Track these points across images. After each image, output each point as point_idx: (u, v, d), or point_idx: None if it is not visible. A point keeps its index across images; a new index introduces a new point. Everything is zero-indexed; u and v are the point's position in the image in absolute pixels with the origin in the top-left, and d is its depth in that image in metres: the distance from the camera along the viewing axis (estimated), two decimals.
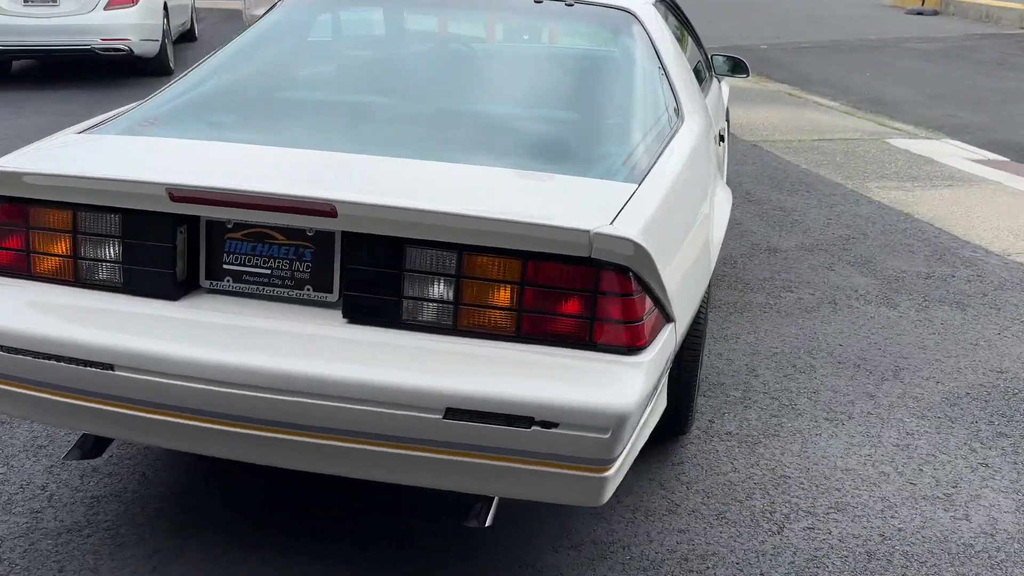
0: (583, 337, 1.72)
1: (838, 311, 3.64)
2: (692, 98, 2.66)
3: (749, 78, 4.76)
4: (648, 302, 1.75)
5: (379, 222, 1.72)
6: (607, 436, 1.64)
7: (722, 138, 3.28)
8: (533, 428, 1.65)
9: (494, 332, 1.75)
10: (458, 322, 1.76)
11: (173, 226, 1.86)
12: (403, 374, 1.68)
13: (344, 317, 1.80)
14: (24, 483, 2.37)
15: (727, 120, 4.83)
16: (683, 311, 1.96)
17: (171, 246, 1.86)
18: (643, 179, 1.97)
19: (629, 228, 1.68)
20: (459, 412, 1.66)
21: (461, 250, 1.72)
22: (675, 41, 2.80)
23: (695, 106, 2.65)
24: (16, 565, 2.07)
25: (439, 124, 2.32)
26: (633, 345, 1.72)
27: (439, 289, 1.75)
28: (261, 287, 1.88)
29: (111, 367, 1.79)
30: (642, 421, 1.78)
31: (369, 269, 1.77)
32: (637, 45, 2.61)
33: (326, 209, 1.71)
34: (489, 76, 2.54)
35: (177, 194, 1.78)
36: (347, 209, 1.71)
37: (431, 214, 1.68)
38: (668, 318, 1.86)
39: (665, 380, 2.19)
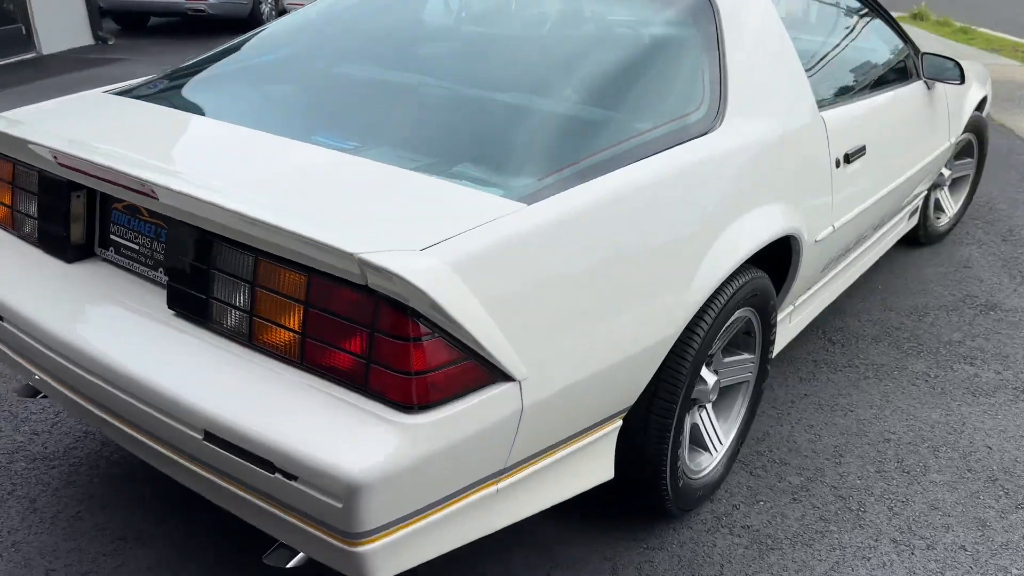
0: (359, 380, 1.42)
1: (1021, 403, 2.76)
2: (764, 98, 2.12)
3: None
4: (449, 352, 1.39)
5: (188, 212, 1.56)
6: (340, 506, 1.34)
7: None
8: (276, 475, 1.40)
9: (281, 353, 1.52)
10: (252, 334, 1.55)
11: (67, 190, 1.85)
12: (176, 383, 1.51)
13: (169, 307, 1.67)
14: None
15: (978, 136, 3.89)
16: (554, 369, 1.55)
17: (65, 210, 1.86)
18: (543, 199, 1.57)
19: (416, 261, 1.33)
20: (215, 438, 1.46)
21: (256, 255, 1.51)
22: (773, 27, 2.24)
23: (767, 108, 2.11)
24: None
25: (401, 105, 2.07)
26: (407, 402, 1.38)
27: (238, 294, 1.55)
28: (132, 263, 1.82)
29: (2, 317, 1.84)
30: (436, 496, 1.44)
31: (185, 260, 1.62)
32: (684, 24, 2.14)
33: (147, 191, 1.59)
34: (486, 53, 2.22)
35: (60, 160, 1.76)
36: (163, 194, 1.57)
37: (223, 211, 1.47)
38: (503, 375, 1.47)
39: (597, 445, 1.79)
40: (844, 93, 2.61)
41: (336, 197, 1.55)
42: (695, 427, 2.23)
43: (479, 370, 1.44)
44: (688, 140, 1.90)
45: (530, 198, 1.58)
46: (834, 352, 3.05)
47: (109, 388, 1.61)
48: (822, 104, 2.42)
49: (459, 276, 1.38)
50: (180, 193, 1.52)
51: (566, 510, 2.21)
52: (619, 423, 1.87)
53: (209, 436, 1.46)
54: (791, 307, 2.59)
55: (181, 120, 1.95)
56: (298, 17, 2.58)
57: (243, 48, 2.42)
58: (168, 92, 2.19)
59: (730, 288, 1.99)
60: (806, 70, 2.40)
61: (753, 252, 1.96)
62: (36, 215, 1.95)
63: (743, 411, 2.36)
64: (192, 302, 1.62)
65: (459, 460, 1.45)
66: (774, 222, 2.06)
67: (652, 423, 1.92)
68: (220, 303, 1.58)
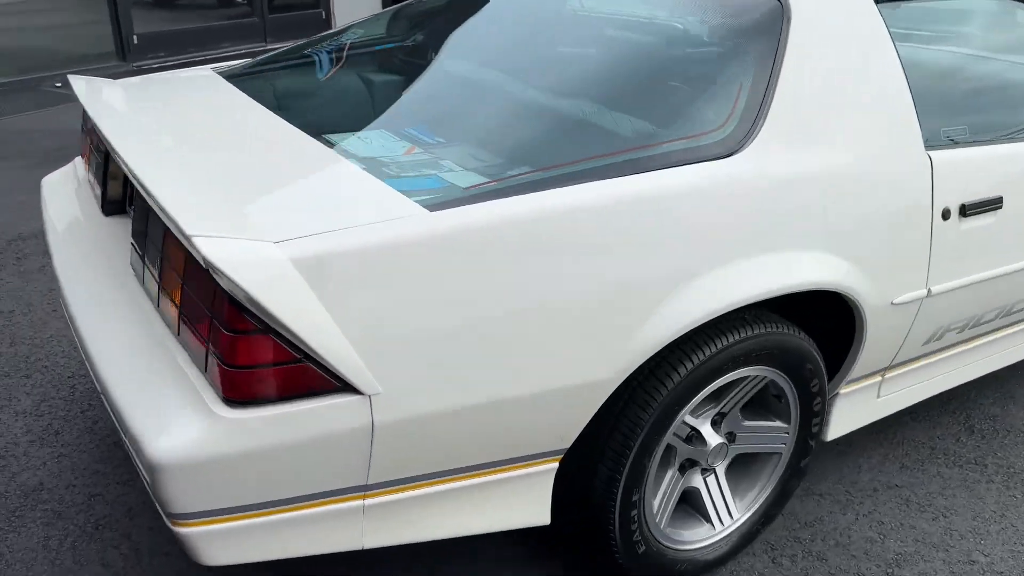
0: (202, 364, 1.41)
1: None
2: (824, 126, 1.79)
3: None
4: (280, 351, 1.33)
5: (131, 178, 1.63)
6: (150, 481, 1.35)
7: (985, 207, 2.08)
8: (125, 441, 1.44)
9: (169, 324, 1.55)
10: (157, 302, 1.60)
11: (107, 152, 2.03)
12: (95, 336, 1.61)
13: (132, 266, 1.78)
14: None
15: None
16: (424, 391, 1.43)
17: (104, 169, 2.04)
18: (450, 208, 1.45)
19: (236, 250, 1.28)
20: (104, 396, 1.53)
21: (165, 228, 1.55)
22: (869, 45, 1.88)
23: (826, 137, 1.78)
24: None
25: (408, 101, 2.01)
26: (226, 394, 1.34)
27: (154, 262, 1.61)
28: None
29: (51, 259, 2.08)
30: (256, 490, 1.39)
31: (138, 224, 1.71)
32: (739, 30, 1.86)
33: (116, 159, 1.69)
34: (543, 49, 2.07)
35: (87, 124, 1.94)
36: (117, 158, 1.66)
37: (136, 178, 1.53)
38: (349, 386, 1.38)
39: (523, 484, 1.65)
40: (985, 131, 2.13)
41: (265, 184, 1.53)
42: (692, 492, 1.96)
43: (319, 376, 1.36)
44: (693, 162, 1.65)
45: (439, 205, 1.46)
46: (965, 443, 2.52)
47: (72, 327, 1.75)
48: (936, 141, 2.00)
49: (304, 275, 1.32)
50: (120, 157, 1.60)
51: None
52: (552, 465, 1.69)
53: (102, 393, 1.54)
54: (878, 379, 2.18)
55: (225, 104, 2.03)
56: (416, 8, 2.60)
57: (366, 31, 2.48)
58: (255, 76, 2.30)
59: (720, 340, 1.71)
60: (922, 96, 2.00)
61: (747, 302, 1.66)
62: (91, 168, 2.16)
63: (770, 487, 2.03)
64: (136, 263, 1.71)
65: (295, 464, 1.39)
66: (798, 272, 1.73)
67: (600, 474, 1.72)
68: (146, 268, 1.65)
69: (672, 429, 1.76)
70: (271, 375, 1.34)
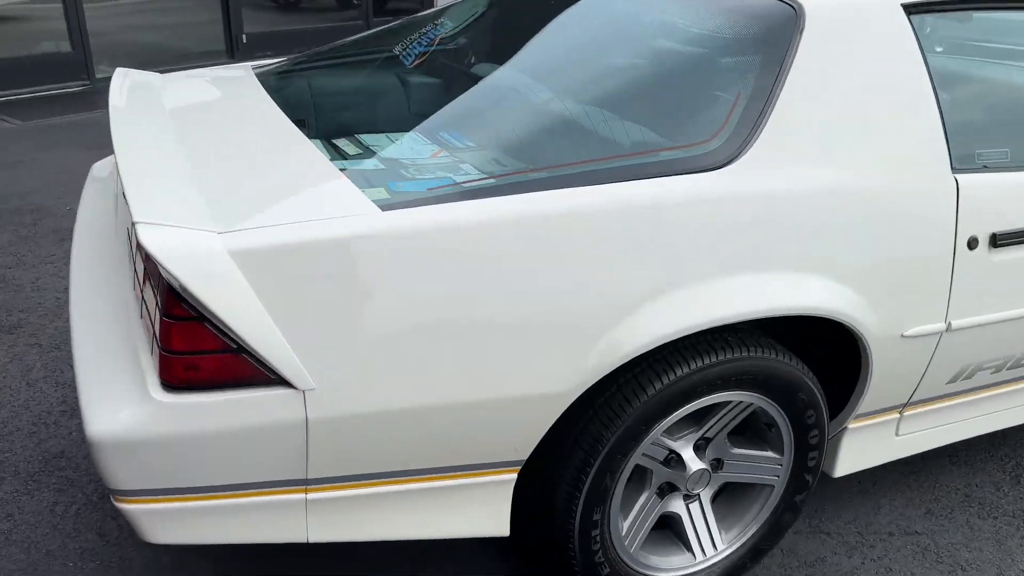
0: (150, 346, 1.45)
1: None
2: (831, 142, 1.69)
3: None
4: (215, 340, 1.35)
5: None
6: (91, 455, 1.40)
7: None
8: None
9: (138, 306, 1.60)
10: (133, 284, 1.66)
11: None
12: (78, 313, 1.68)
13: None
14: None
15: None
16: (363, 391, 1.42)
17: None
18: (402, 208, 1.45)
19: (171, 238, 1.31)
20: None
21: None
22: (890, 60, 1.77)
23: (830, 154, 1.68)
24: None
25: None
26: (162, 378, 1.37)
27: (135, 250, 1.67)
28: None
29: None
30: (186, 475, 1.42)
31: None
32: (745, 38, 1.78)
33: None
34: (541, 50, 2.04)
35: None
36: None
37: (116, 164, 1.59)
38: (283, 380, 1.39)
39: (478, 493, 1.63)
40: None
41: (238, 181, 1.55)
42: (673, 518, 1.88)
43: (253, 367, 1.38)
44: (676, 173, 1.59)
45: (392, 204, 1.46)
46: (1007, 493, 2.33)
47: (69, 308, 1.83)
48: (969, 165, 1.85)
49: (241, 266, 1.34)
50: (113, 145, 1.67)
51: None
52: (510, 476, 1.65)
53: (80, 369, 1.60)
54: (895, 416, 2.04)
55: (241, 104, 2.07)
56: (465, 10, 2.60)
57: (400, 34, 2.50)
58: (294, 75, 2.34)
59: (693, 361, 1.64)
60: (958, 116, 1.86)
61: (719, 323, 1.58)
62: None
63: (760, 521, 1.93)
64: (127, 250, 1.79)
65: (229, 452, 1.41)
66: (784, 296, 1.64)
67: (561, 489, 1.67)
68: (131, 254, 1.72)
69: (641, 449, 1.69)
70: (206, 363, 1.36)
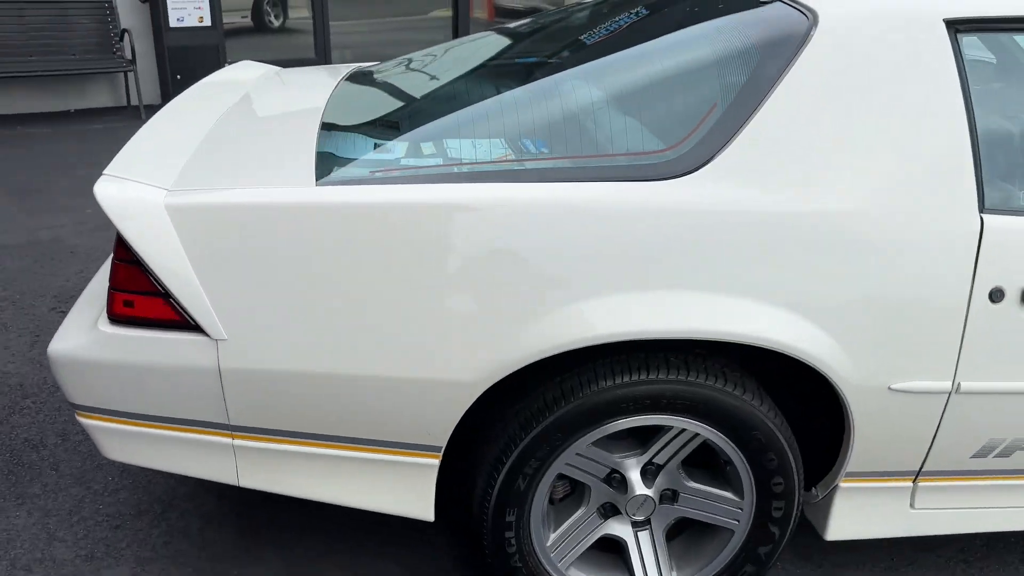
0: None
1: None
2: (811, 165, 1.56)
3: None
4: (146, 282, 1.53)
5: None
6: (52, 368, 1.64)
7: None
8: None
9: None
10: None
11: None
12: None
13: None
14: None
15: None
16: (276, 349, 1.54)
17: None
18: (335, 184, 1.55)
19: (116, 190, 1.50)
20: None
21: None
22: (892, 80, 1.59)
23: (808, 177, 1.55)
24: None
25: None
26: (108, 312, 1.57)
27: None
28: None
29: None
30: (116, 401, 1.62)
31: None
32: (743, 48, 1.68)
33: None
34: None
35: None
36: None
37: (140, 128, 1.83)
38: (192, 325, 1.54)
39: (399, 472, 1.71)
40: None
41: (233, 156, 1.72)
42: (618, 541, 1.81)
43: (176, 312, 1.54)
44: (625, 179, 1.55)
45: (327, 180, 1.56)
46: None
47: None
48: (1008, 207, 1.62)
49: (174, 220, 1.51)
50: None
51: None
52: (431, 461, 1.68)
53: None
54: (907, 483, 1.81)
55: (304, 98, 2.24)
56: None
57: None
58: (377, 75, 2.51)
59: (617, 376, 1.58)
60: (1005, 151, 1.64)
61: (642, 337, 1.51)
62: None
63: (718, 568, 1.80)
64: None
65: (156, 384, 1.58)
66: (722, 321, 1.53)
67: (478, 484, 1.69)
68: None
69: (563, 459, 1.66)
70: (140, 302, 1.55)
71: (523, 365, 1.55)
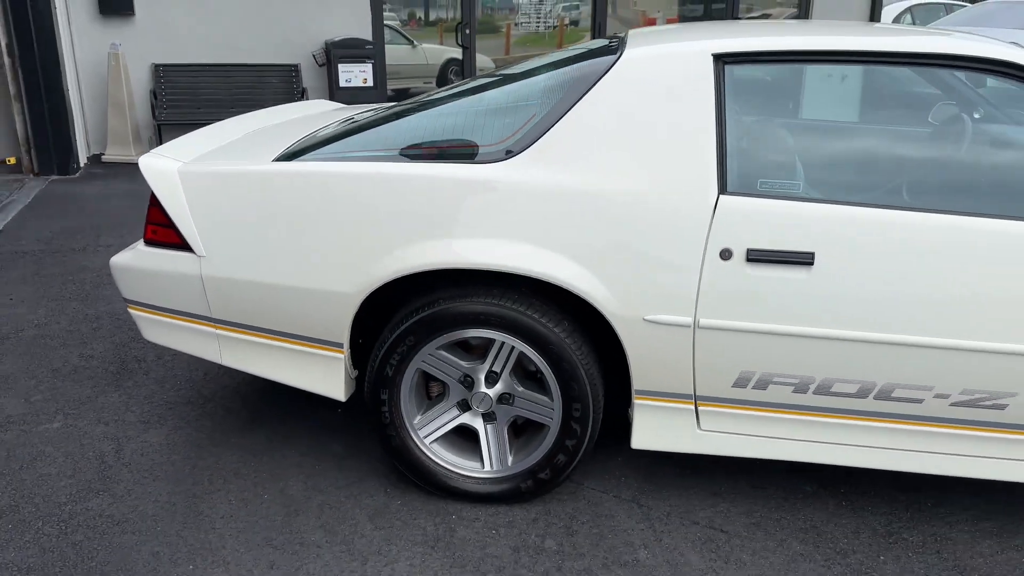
0: None
1: None
2: (595, 157, 2.21)
3: None
4: (164, 218, 2.45)
5: None
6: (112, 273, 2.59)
7: None
8: None
9: None
10: None
11: None
12: None
13: None
14: None
15: None
16: (236, 264, 2.39)
17: None
18: (284, 162, 2.39)
19: (156, 162, 2.43)
20: None
21: None
22: (662, 101, 2.21)
23: (590, 165, 2.21)
24: None
25: None
26: (144, 237, 2.50)
27: None
28: None
29: None
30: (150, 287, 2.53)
31: None
32: (574, 71, 2.37)
33: None
34: None
35: None
36: None
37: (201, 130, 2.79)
38: (190, 248, 2.42)
39: (318, 361, 2.51)
40: (820, 190, 2.18)
41: (238, 148, 2.66)
42: (471, 429, 2.48)
43: (178, 237, 2.44)
44: (464, 162, 2.28)
45: (280, 160, 2.42)
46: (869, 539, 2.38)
47: None
48: (743, 189, 2.19)
49: (181, 181, 2.42)
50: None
51: None
52: (338, 355, 2.45)
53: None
54: (690, 406, 2.34)
55: (332, 119, 3.21)
56: None
57: None
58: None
59: (457, 299, 2.28)
60: (748, 150, 2.22)
61: (459, 267, 2.20)
62: None
63: (540, 455, 2.42)
64: None
65: (164, 284, 2.49)
66: (516, 259, 2.20)
67: (366, 369, 2.44)
68: None
69: (419, 358, 2.37)
70: (159, 231, 2.47)
71: (384, 283, 2.30)
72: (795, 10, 9.55)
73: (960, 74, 2.21)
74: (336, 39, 7.71)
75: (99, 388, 3.16)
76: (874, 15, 9.56)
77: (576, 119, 2.25)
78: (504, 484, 2.45)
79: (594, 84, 2.28)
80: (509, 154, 2.27)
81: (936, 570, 2.23)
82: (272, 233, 2.36)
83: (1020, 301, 2.07)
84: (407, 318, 2.34)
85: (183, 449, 2.75)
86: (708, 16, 9.32)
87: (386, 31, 8.35)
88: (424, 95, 2.88)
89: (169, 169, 2.44)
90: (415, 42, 8.71)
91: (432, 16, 8.74)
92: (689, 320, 2.21)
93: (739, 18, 9.25)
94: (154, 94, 7.46)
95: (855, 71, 2.39)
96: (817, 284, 2.13)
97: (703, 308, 2.20)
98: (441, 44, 8.83)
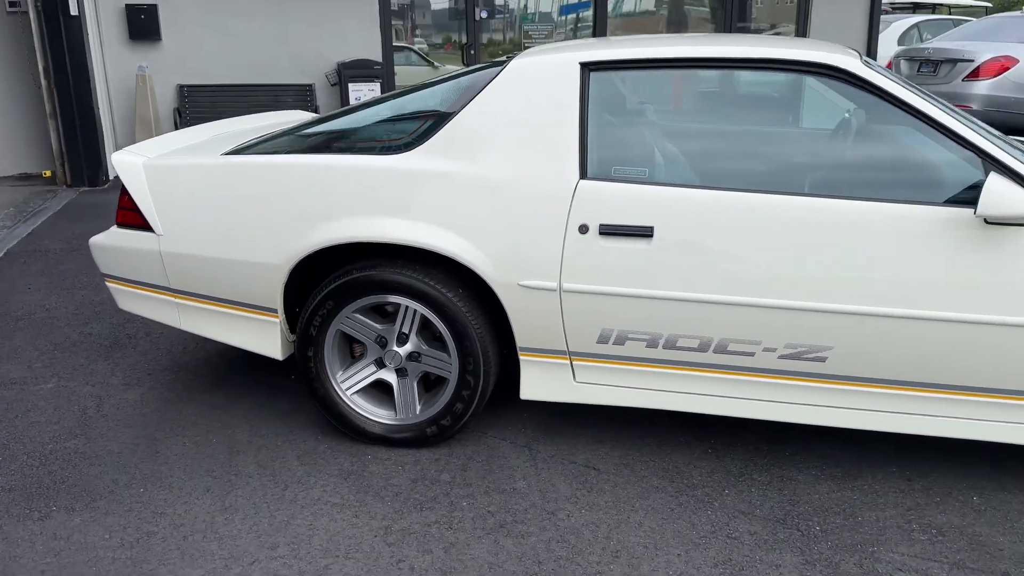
0: None
1: None
2: (475, 148, 2.64)
3: None
4: (131, 203, 2.93)
5: None
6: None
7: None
8: None
9: None
10: None
11: None
12: None
13: None
14: None
15: None
16: (188, 241, 2.86)
17: None
18: (230, 156, 2.86)
19: (125, 157, 2.92)
20: None
21: None
22: (536, 103, 2.64)
23: (470, 155, 2.64)
24: None
25: None
26: (115, 220, 2.99)
27: None
28: None
29: None
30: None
31: None
32: (474, 79, 2.80)
33: None
34: None
35: None
36: None
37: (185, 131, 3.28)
38: (151, 228, 2.90)
39: (258, 325, 2.97)
40: (664, 175, 2.57)
41: (201, 147, 3.15)
42: (385, 383, 2.91)
43: (142, 219, 2.92)
44: (372, 154, 2.73)
45: (227, 155, 2.88)
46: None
47: None
48: (600, 175, 2.59)
49: (144, 173, 2.90)
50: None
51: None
52: (273, 319, 2.90)
53: None
54: (566, 361, 2.73)
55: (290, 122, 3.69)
56: None
57: None
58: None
59: (361, 269, 2.72)
60: (607, 142, 2.62)
61: (367, 240, 2.64)
62: None
63: (442, 404, 2.83)
64: None
65: (131, 259, 2.96)
66: (413, 233, 2.63)
67: (296, 329, 2.88)
68: None
69: (338, 320, 2.80)
70: (127, 215, 2.95)
71: (305, 255, 2.74)
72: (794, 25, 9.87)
73: (789, 76, 2.59)
74: (347, 60, 8.26)
75: (91, 358, 3.66)
76: (872, 31, 9.85)
77: (465, 118, 2.68)
78: (412, 430, 2.87)
79: (482, 89, 2.72)
80: (408, 147, 2.70)
81: (772, 501, 2.58)
82: (217, 214, 2.82)
83: (826, 264, 2.43)
84: (326, 286, 2.77)
85: (153, 404, 3.22)
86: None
87: (411, 54, 8.90)
88: (355, 103, 3.34)
89: (136, 163, 2.93)
90: (435, 63, 9.22)
91: (464, 40, 9.24)
92: (555, 285, 2.61)
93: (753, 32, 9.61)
94: (178, 112, 8.08)
95: (701, 75, 2.78)
96: (656, 253, 2.52)
97: (566, 275, 2.59)
98: (464, 65, 9.34)
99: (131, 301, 3.10)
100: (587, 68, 2.67)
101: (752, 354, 2.57)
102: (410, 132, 2.78)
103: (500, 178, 2.61)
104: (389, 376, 2.90)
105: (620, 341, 2.65)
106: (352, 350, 3.00)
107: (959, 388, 2.48)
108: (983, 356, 2.41)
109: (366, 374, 2.91)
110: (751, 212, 2.47)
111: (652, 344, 2.63)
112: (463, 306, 2.70)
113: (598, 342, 2.67)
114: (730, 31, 9.58)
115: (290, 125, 3.38)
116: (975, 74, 9.63)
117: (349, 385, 2.91)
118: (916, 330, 2.42)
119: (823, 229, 2.44)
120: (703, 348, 2.60)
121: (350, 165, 2.70)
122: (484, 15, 8.96)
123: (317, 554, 2.35)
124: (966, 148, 2.42)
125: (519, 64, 2.71)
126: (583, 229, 2.56)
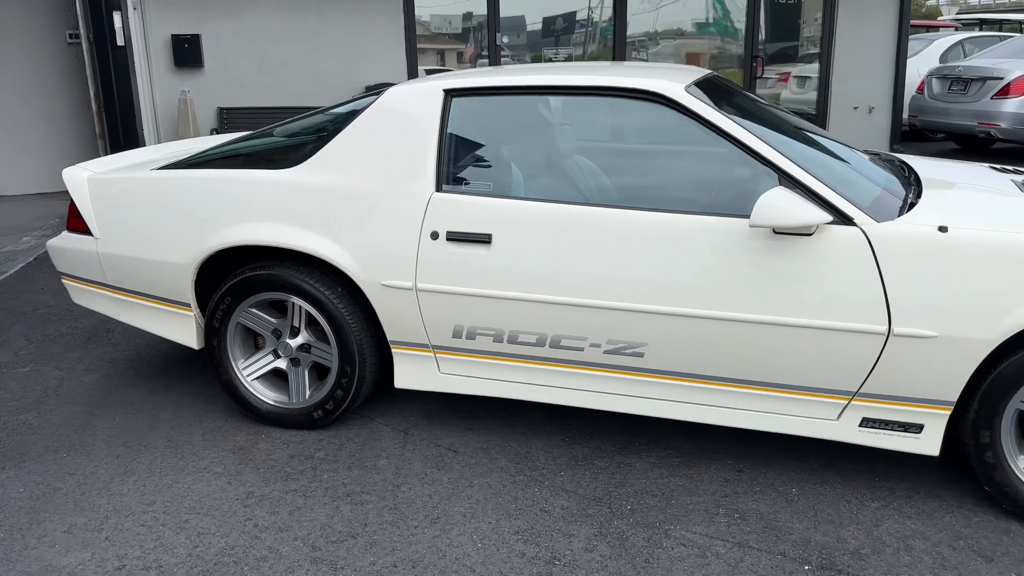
0: None
1: None
2: (345, 163, 3.03)
3: None
4: (78, 212, 3.41)
5: None
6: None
7: None
8: None
9: None
10: None
11: None
12: None
13: None
14: None
15: None
16: (119, 243, 3.31)
17: None
18: (163, 171, 3.31)
19: (75, 173, 3.41)
20: None
21: None
22: (401, 125, 3.01)
23: (341, 168, 3.02)
24: None
25: None
26: (67, 224, 3.48)
27: None
28: None
29: None
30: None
31: None
32: (350, 114, 3.18)
33: None
34: None
35: None
36: None
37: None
38: (91, 233, 3.37)
39: (179, 319, 3.41)
40: (506, 188, 2.88)
41: (147, 162, 3.63)
42: (280, 370, 3.29)
43: (85, 225, 3.40)
44: (266, 169, 3.14)
45: (153, 169, 3.34)
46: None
47: None
48: (453, 188, 2.92)
49: (87, 186, 3.37)
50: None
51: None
52: (188, 312, 3.32)
53: None
54: (431, 354, 3.06)
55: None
56: None
57: None
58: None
59: (258, 268, 3.12)
60: (464, 159, 2.96)
61: (256, 244, 3.04)
62: None
63: (327, 390, 3.19)
64: None
65: (77, 259, 3.44)
66: (293, 239, 3.01)
67: (205, 321, 3.31)
68: None
69: (238, 314, 3.21)
70: (76, 221, 3.44)
71: (208, 255, 3.16)
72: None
73: (620, 100, 2.88)
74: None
75: (69, 347, 4.18)
76: (899, 49, 9.82)
77: (344, 137, 3.05)
78: (302, 413, 3.24)
79: (360, 113, 3.09)
80: (295, 163, 3.09)
81: (599, 483, 2.84)
82: (141, 220, 3.27)
83: (640, 269, 2.70)
84: (225, 284, 3.18)
85: (104, 387, 3.69)
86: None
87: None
88: (268, 127, 3.76)
89: (81, 177, 3.41)
90: None
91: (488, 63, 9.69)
92: (411, 284, 2.94)
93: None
94: (216, 132, 8.74)
95: (547, 100, 3.08)
96: (494, 257, 2.83)
97: (420, 276, 2.93)
98: None
99: (81, 296, 3.59)
100: (449, 94, 3.01)
101: (582, 349, 2.85)
102: (300, 150, 3.17)
103: (368, 190, 2.97)
104: (284, 365, 3.28)
105: (471, 336, 2.97)
106: (256, 341, 3.40)
107: (754, 383, 2.71)
108: (772, 354, 2.64)
109: (264, 363, 3.30)
110: (577, 222, 2.76)
111: (498, 339, 2.94)
112: (340, 303, 3.07)
113: (453, 336, 2.99)
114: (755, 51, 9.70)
115: (222, 142, 3.83)
116: (1005, 91, 9.49)
117: (250, 372, 3.30)
118: (716, 330, 2.66)
119: (639, 238, 2.71)
120: (540, 343, 2.89)
121: (245, 178, 3.11)
122: (505, 40, 9.36)
123: (183, 511, 2.74)
124: (765, 164, 2.65)
125: (393, 91, 3.07)
126: (434, 235, 2.90)
